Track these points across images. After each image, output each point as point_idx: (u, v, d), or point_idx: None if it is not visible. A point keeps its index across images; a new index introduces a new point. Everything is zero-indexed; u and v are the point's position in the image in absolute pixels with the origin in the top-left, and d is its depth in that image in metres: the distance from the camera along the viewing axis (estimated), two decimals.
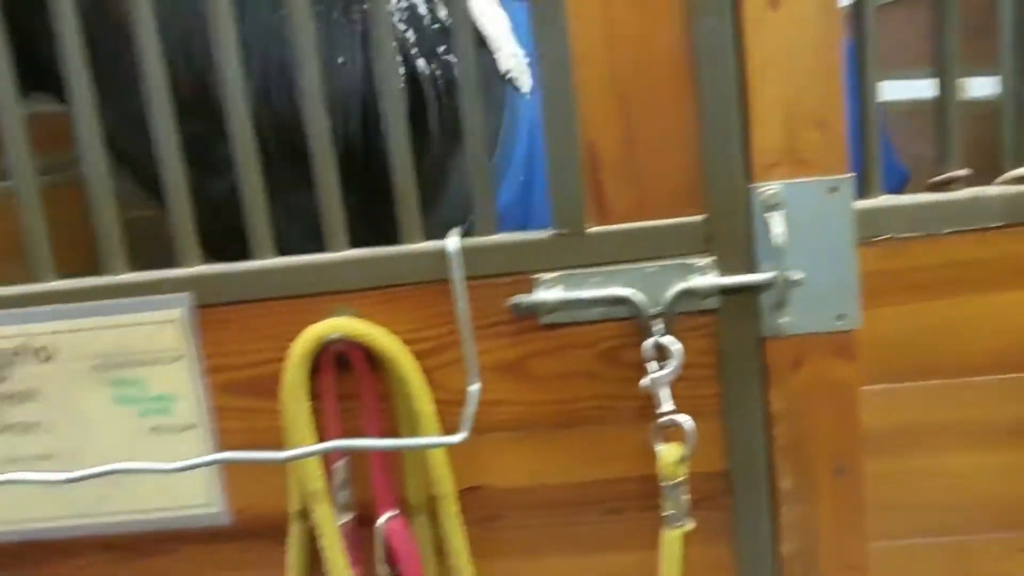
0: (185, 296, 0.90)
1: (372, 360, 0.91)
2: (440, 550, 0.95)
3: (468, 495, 0.93)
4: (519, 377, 0.91)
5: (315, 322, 0.90)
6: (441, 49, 1.30)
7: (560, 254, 0.88)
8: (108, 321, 0.91)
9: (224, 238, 1.05)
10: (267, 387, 0.93)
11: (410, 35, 1.28)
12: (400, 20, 1.30)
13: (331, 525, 0.90)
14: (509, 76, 1.37)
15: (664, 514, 0.89)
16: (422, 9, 1.30)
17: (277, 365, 0.92)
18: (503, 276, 0.89)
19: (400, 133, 0.90)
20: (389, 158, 0.91)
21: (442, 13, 1.31)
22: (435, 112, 1.29)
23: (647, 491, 0.93)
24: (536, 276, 0.88)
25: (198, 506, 0.95)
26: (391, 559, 0.93)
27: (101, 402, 0.93)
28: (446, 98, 1.30)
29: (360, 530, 0.94)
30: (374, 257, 0.90)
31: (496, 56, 1.37)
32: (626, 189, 0.88)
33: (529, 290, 0.89)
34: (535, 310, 0.88)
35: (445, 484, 0.91)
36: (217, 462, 0.84)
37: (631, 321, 0.89)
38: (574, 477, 0.94)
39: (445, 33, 1.29)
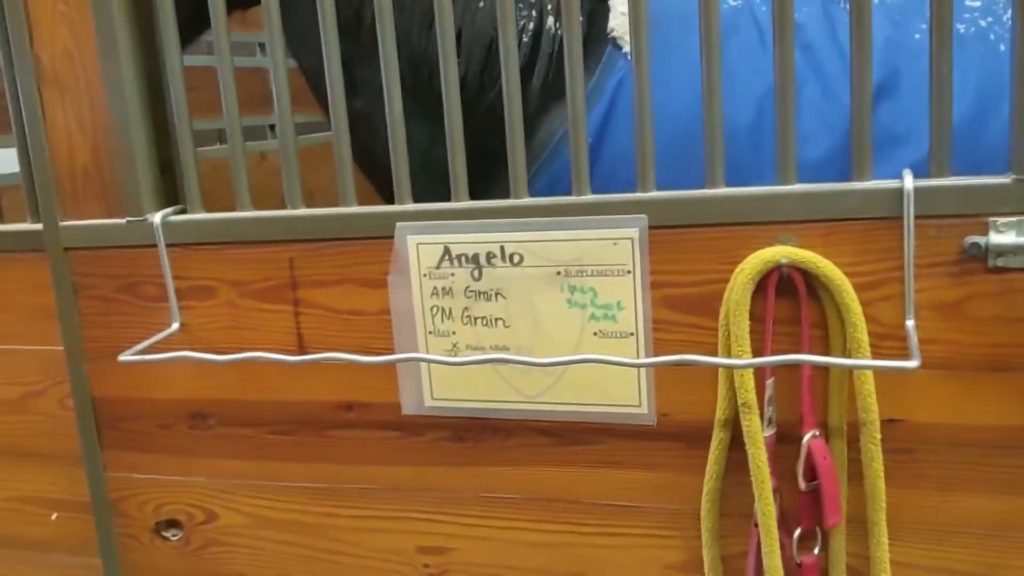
0: (642, 218, 1.01)
1: (809, 288, 0.98)
2: (854, 474, 1.01)
3: (887, 426, 0.98)
4: (956, 317, 0.95)
5: (757, 249, 0.98)
6: None
7: (1019, 199, 0.90)
8: (572, 235, 1.04)
9: (359, 153, 1.16)
10: (703, 304, 1.03)
11: None
12: None
13: (760, 434, 0.98)
14: (613, 34, 1.35)
15: None
16: None
17: (715, 286, 1.01)
18: (954, 217, 0.92)
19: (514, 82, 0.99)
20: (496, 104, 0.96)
21: None
22: (542, 69, 1.31)
23: None
24: (992, 219, 0.90)
25: (628, 406, 1.08)
26: (809, 475, 1.00)
27: (556, 305, 1.07)
28: (557, 56, 1.32)
29: (777, 446, 1.02)
30: (822, 192, 0.96)
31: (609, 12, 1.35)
32: None
33: (979, 232, 0.91)
34: (987, 253, 0.91)
35: (871, 412, 0.96)
36: (680, 363, 0.94)
37: None
38: (1000, 420, 0.96)
39: None
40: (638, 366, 1.01)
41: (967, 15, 1.29)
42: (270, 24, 1.12)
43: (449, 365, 1.08)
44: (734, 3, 1.34)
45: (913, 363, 0.86)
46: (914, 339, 0.91)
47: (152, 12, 1.17)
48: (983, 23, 1.28)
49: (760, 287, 0.99)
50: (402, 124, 1.08)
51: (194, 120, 1.20)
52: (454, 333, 1.12)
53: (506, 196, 1.08)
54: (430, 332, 1.12)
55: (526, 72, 1.32)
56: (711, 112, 0.98)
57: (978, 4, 1.32)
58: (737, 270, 0.98)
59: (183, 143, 1.18)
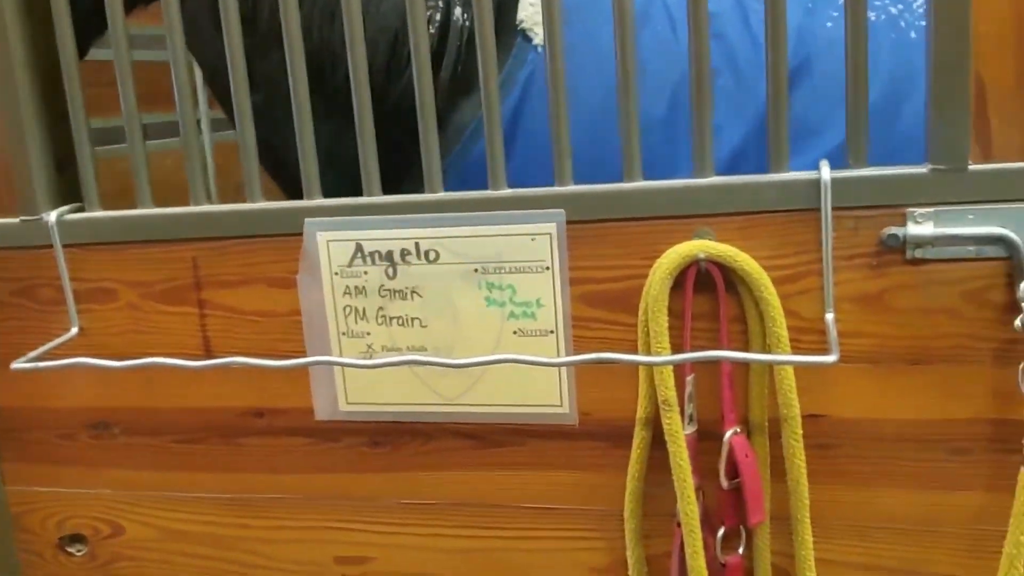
0: (560, 212, 0.98)
1: (728, 282, 0.96)
2: (776, 471, 0.99)
3: (809, 421, 0.96)
4: (876, 309, 0.93)
5: (675, 243, 0.96)
6: None
7: (936, 189, 0.89)
8: (489, 230, 1.00)
9: (260, 150, 1.10)
10: (622, 301, 1.00)
11: None
12: None
13: (680, 432, 0.96)
14: (522, 25, 1.32)
15: None
16: None
17: (634, 282, 0.99)
18: (872, 208, 0.91)
19: (426, 76, 0.98)
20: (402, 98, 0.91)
21: None
22: (451, 61, 1.28)
23: (998, 434, 0.93)
24: (910, 210, 0.89)
25: (549, 406, 1.04)
26: (731, 473, 0.98)
27: (473, 303, 1.03)
28: (465, 48, 1.28)
29: (699, 443, 1.00)
30: (738, 184, 0.94)
31: (518, 3, 1.32)
32: (1012, 127, 0.87)
33: (896, 223, 0.90)
34: (905, 244, 0.89)
35: (792, 407, 0.94)
36: (599, 361, 0.92)
37: (1003, 262, 0.89)
38: (921, 414, 0.95)
39: None
40: (557, 365, 0.98)
41: (877, 2, 1.28)
42: (169, 17, 1.06)
43: (364, 368, 1.04)
44: None
45: (832, 357, 0.85)
46: (833, 333, 0.89)
47: (48, 3, 1.10)
48: (894, 10, 1.27)
49: (679, 282, 0.96)
50: (309, 116, 1.03)
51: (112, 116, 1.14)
52: (368, 334, 1.07)
53: (416, 192, 1.04)
54: (343, 333, 1.08)
55: (434, 64, 1.27)
56: (626, 105, 0.95)
57: None
58: (655, 266, 0.95)
59: (79, 138, 1.12)
